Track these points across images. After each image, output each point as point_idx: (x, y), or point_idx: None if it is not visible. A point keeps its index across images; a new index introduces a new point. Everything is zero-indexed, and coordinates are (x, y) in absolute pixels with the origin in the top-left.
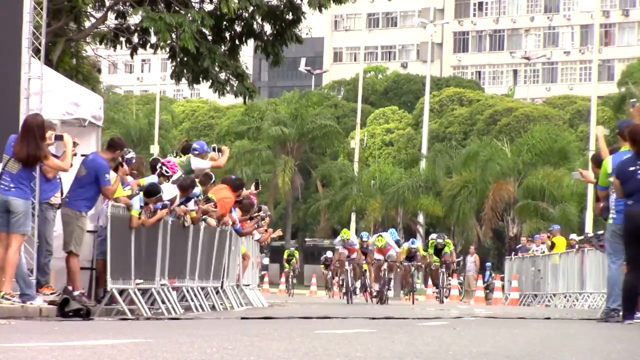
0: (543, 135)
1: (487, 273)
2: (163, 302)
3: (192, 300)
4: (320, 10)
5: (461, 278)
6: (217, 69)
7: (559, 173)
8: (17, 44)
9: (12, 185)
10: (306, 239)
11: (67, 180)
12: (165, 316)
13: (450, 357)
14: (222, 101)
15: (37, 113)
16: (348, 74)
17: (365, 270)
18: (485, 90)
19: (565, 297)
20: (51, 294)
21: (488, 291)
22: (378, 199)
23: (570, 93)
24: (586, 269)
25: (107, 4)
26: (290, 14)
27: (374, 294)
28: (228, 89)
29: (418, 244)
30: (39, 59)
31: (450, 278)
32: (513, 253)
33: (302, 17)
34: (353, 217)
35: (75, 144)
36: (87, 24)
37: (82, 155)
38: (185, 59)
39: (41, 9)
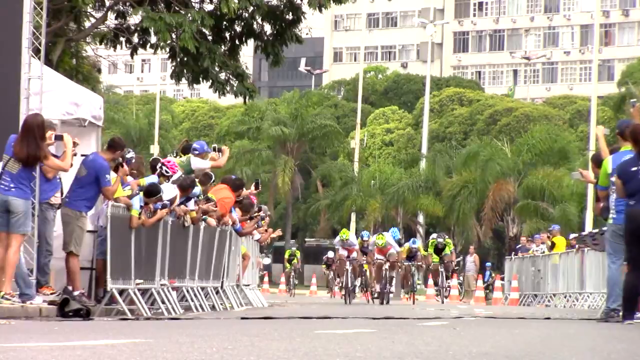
0: (543, 135)
1: (487, 273)
2: (163, 302)
3: (192, 300)
4: (320, 10)
5: (461, 278)
6: (217, 69)
7: (559, 173)
8: (17, 44)
9: (12, 185)
10: (307, 239)
11: (67, 180)
12: (165, 316)
13: (450, 357)
14: (222, 101)
15: (37, 113)
16: (348, 74)
17: (366, 270)
18: (485, 90)
19: (565, 297)
20: (51, 294)
21: (488, 291)
22: (378, 199)
23: (570, 93)
24: (586, 269)
25: (107, 4)
26: (290, 14)
27: (375, 295)
28: (228, 89)
29: (419, 243)
30: (39, 59)
31: (450, 280)
32: (513, 253)
33: (302, 17)
34: (353, 217)
35: (75, 144)
36: (87, 24)
37: (82, 155)
38: (185, 59)
39: (41, 9)
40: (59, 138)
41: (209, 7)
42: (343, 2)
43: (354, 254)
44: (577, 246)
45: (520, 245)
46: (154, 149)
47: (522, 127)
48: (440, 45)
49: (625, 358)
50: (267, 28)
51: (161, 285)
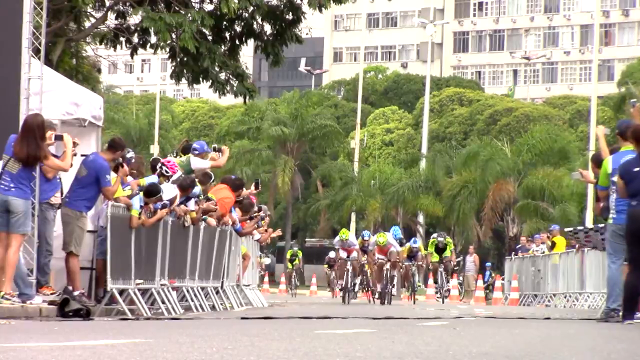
0: (543, 135)
1: (487, 273)
2: (163, 302)
3: (192, 300)
4: (320, 10)
5: (461, 278)
6: (217, 69)
7: (559, 173)
8: (17, 44)
9: (12, 185)
10: (307, 239)
11: (67, 180)
12: (165, 316)
13: (450, 357)
14: (222, 101)
15: (37, 113)
16: (348, 74)
17: (367, 269)
18: (485, 90)
19: (565, 297)
20: (51, 294)
21: (488, 291)
22: (378, 199)
23: (570, 93)
24: (586, 269)
25: (107, 4)
26: (290, 14)
27: (377, 295)
28: (228, 89)
29: (419, 243)
30: (39, 59)
31: (449, 281)
32: (513, 253)
33: (302, 17)
34: (353, 217)
35: (75, 144)
36: (87, 24)
37: (82, 156)
38: (185, 59)
39: (41, 9)
40: (59, 138)
41: (209, 7)
42: (343, 2)
43: (354, 254)
44: (577, 246)
45: (520, 245)
46: (154, 149)
47: (522, 127)
48: (440, 45)
49: (625, 358)
50: (267, 28)
51: (161, 285)
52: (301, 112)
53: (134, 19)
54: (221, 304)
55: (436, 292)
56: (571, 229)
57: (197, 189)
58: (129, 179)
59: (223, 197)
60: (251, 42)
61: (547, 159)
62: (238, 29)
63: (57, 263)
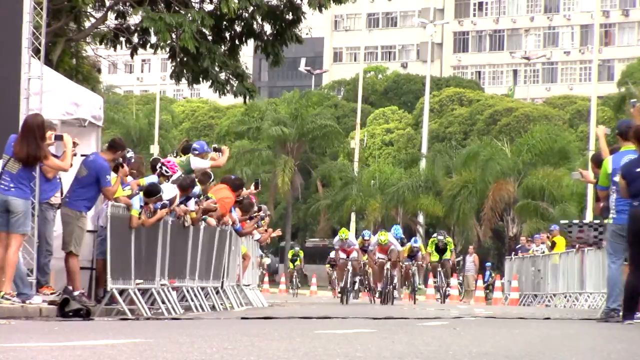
0: (543, 135)
1: (487, 273)
2: (163, 302)
3: (192, 300)
4: (320, 10)
5: (461, 278)
6: (217, 69)
7: (559, 173)
8: (17, 44)
9: (12, 185)
10: (310, 239)
11: (67, 180)
12: (165, 316)
13: (450, 357)
14: (222, 101)
15: (37, 113)
16: (348, 74)
17: (368, 269)
18: (485, 90)
19: (565, 297)
20: (51, 294)
21: (488, 291)
22: (378, 199)
23: (570, 93)
24: (586, 269)
25: (107, 4)
26: (290, 14)
27: (377, 294)
28: (228, 89)
29: (420, 243)
30: (39, 59)
31: (449, 284)
32: (513, 253)
33: (302, 17)
34: (353, 217)
35: (75, 144)
36: (87, 24)
37: (82, 156)
38: (185, 59)
39: (41, 9)
40: (59, 138)
41: (209, 7)
42: (343, 2)
43: (354, 254)
44: (577, 246)
45: (520, 245)
46: (154, 149)
47: (522, 127)
48: (440, 45)
49: (625, 358)
50: (267, 28)
51: (161, 285)
52: (301, 112)
53: (134, 19)
54: (221, 304)
55: (436, 292)
56: (566, 221)
57: (197, 188)
58: (129, 179)
59: (223, 197)
60: (251, 42)
61: (547, 159)
62: (238, 29)
63: (57, 263)
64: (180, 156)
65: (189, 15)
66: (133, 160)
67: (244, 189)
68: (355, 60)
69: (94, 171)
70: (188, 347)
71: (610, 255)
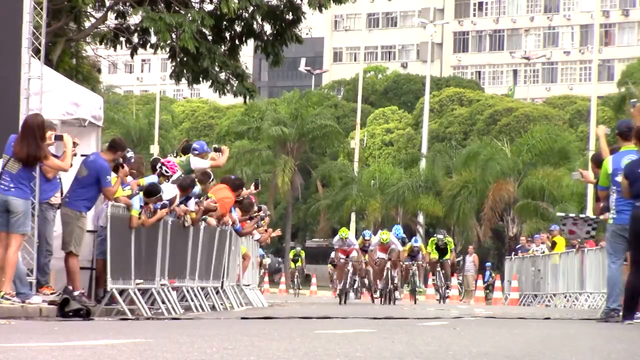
0: (543, 135)
1: (487, 273)
2: (163, 302)
3: (192, 300)
4: (320, 10)
5: (460, 278)
6: (217, 69)
7: (559, 173)
8: (17, 44)
9: (12, 185)
10: (308, 240)
11: (67, 180)
12: (165, 316)
13: (450, 357)
14: (222, 101)
15: (37, 113)
16: (348, 74)
17: (368, 269)
18: (485, 90)
19: (565, 297)
20: (51, 294)
21: (488, 291)
22: (378, 199)
23: (570, 93)
24: (586, 269)
25: (107, 4)
26: (290, 14)
27: (378, 293)
28: (228, 89)
29: (420, 242)
30: (39, 59)
31: (449, 287)
32: (513, 253)
33: (302, 17)
34: (353, 217)
35: (75, 144)
36: (87, 24)
37: (82, 156)
38: (185, 59)
39: (41, 9)
40: (59, 138)
41: (209, 7)
42: (343, 2)
43: (354, 253)
44: (577, 246)
45: (520, 245)
46: (154, 149)
47: (522, 127)
48: (440, 45)
49: (625, 358)
50: (267, 28)
51: (161, 285)
52: (301, 112)
53: (134, 19)
54: (221, 304)
55: (436, 292)
56: (563, 214)
57: (197, 188)
58: (129, 179)
59: (223, 197)
60: (251, 42)
61: (547, 159)
62: (238, 29)
63: (57, 263)
64: (180, 156)
65: (189, 15)
66: (133, 160)
67: (244, 189)
68: (355, 60)
69: (94, 171)
70: (188, 347)
71: (610, 255)
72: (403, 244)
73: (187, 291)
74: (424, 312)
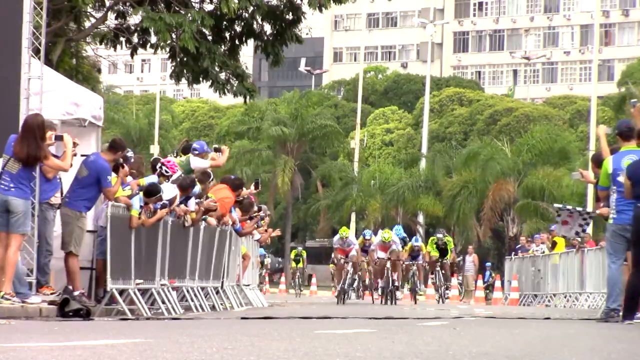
0: (543, 135)
1: (487, 273)
2: (163, 302)
3: (192, 300)
4: (321, 10)
5: (460, 278)
6: (217, 69)
7: (559, 173)
8: (17, 44)
9: (12, 185)
10: (309, 240)
11: (67, 180)
12: (165, 316)
13: (450, 357)
14: (222, 101)
15: (37, 113)
16: (348, 74)
17: (369, 269)
18: (485, 90)
19: (565, 297)
20: (51, 294)
21: (488, 291)
22: (378, 199)
23: (570, 93)
24: (586, 269)
25: (107, 4)
26: (290, 14)
27: (380, 291)
28: (228, 88)
29: (421, 242)
30: (39, 59)
31: (449, 288)
32: (513, 253)
33: (302, 17)
34: (353, 217)
35: (75, 144)
36: (87, 24)
37: (82, 156)
38: (185, 59)
39: (41, 9)
40: (59, 138)
41: (209, 7)
42: (343, 2)
43: (353, 252)
44: (577, 246)
45: (519, 245)
46: (154, 149)
47: (522, 127)
48: (440, 45)
49: (625, 358)
50: (267, 28)
51: (161, 285)
52: (301, 112)
53: (134, 19)
54: (221, 304)
55: (435, 292)
56: (560, 205)
57: (197, 188)
58: (129, 179)
59: (223, 197)
60: (251, 42)
61: (547, 159)
62: (238, 29)
63: (57, 263)
64: (180, 156)
65: (189, 15)
66: (133, 160)
67: (244, 189)
68: (355, 60)
69: (94, 172)
70: (188, 347)
71: (610, 255)
72: (404, 244)
73: (187, 291)
74: (424, 312)
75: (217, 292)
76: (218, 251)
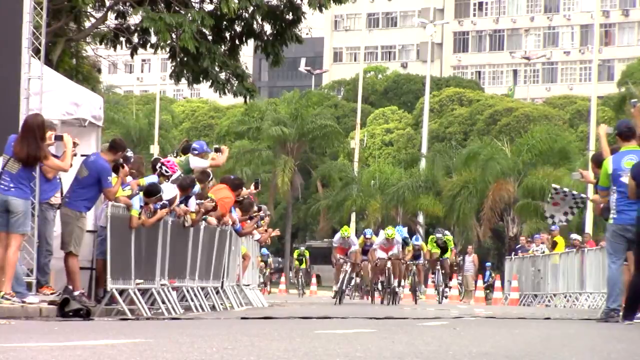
0: (543, 135)
1: (487, 273)
2: (163, 302)
3: (192, 300)
4: (321, 10)
5: (460, 278)
6: (217, 69)
7: (559, 173)
8: (17, 44)
9: (11, 185)
10: (314, 240)
11: (67, 180)
12: (165, 316)
13: (450, 357)
14: (222, 101)
15: (37, 113)
16: (348, 74)
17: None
18: (485, 90)
19: (565, 297)
20: (51, 294)
21: (488, 291)
22: (378, 199)
23: (570, 93)
24: (586, 269)
25: (107, 4)
26: (290, 14)
27: (379, 285)
28: (228, 88)
29: (421, 241)
30: (39, 59)
31: (448, 285)
32: (513, 253)
33: (302, 17)
34: (353, 217)
35: (75, 144)
36: (87, 24)
37: (82, 156)
38: (185, 59)
39: (41, 9)
40: (59, 138)
41: (209, 7)
42: (343, 2)
43: (352, 250)
44: (577, 246)
45: (519, 245)
46: (154, 149)
47: (522, 127)
48: (440, 45)
49: (625, 358)
50: (267, 28)
51: (161, 285)
52: (301, 112)
53: (134, 19)
54: (221, 304)
55: (436, 291)
56: (557, 187)
57: (197, 188)
58: (129, 179)
59: (223, 197)
60: (251, 42)
61: (547, 159)
62: (238, 29)
63: (57, 263)
64: (180, 156)
65: (189, 15)
66: (132, 160)
67: (244, 188)
68: (355, 60)
69: (95, 172)
70: (188, 347)
71: (611, 255)
72: (405, 244)
73: (187, 291)
74: (424, 312)
75: (217, 292)
76: (218, 251)
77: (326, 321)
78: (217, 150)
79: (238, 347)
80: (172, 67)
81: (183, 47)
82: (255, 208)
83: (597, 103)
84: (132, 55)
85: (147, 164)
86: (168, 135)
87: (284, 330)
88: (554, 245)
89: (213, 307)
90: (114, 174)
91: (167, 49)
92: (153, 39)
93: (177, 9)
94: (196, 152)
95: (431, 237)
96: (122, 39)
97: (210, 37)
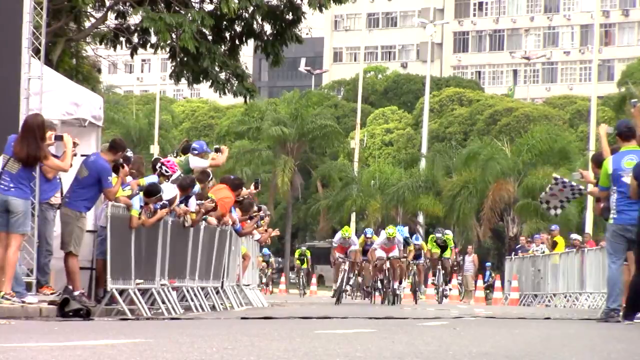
0: (543, 135)
1: (487, 273)
2: (163, 302)
3: (192, 300)
4: (321, 10)
5: (460, 278)
6: (217, 69)
7: (559, 173)
8: (17, 44)
9: (11, 185)
10: (316, 240)
11: (67, 180)
12: (165, 316)
13: (450, 357)
14: (222, 101)
15: (37, 113)
16: (348, 74)
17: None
18: (485, 90)
19: (565, 297)
20: (51, 294)
21: (488, 291)
22: (378, 199)
23: (570, 93)
24: (586, 269)
25: (107, 4)
26: (290, 14)
27: (378, 284)
28: (228, 88)
29: (421, 241)
30: (39, 59)
31: (447, 283)
32: (513, 253)
33: (302, 17)
34: (353, 217)
35: (75, 144)
36: (87, 24)
37: (82, 156)
38: (185, 59)
39: (41, 9)
40: (59, 138)
41: (209, 7)
42: (343, 2)
43: (351, 249)
44: (577, 246)
45: (519, 245)
46: (154, 149)
47: (522, 127)
48: (440, 45)
49: (625, 358)
50: (267, 28)
51: (161, 285)
52: (301, 112)
53: (134, 19)
54: (221, 304)
55: (433, 282)
56: (558, 176)
57: (197, 187)
58: (129, 179)
59: (223, 197)
60: (251, 42)
61: (547, 159)
62: (238, 29)
63: (57, 263)
64: (180, 156)
65: (189, 15)
66: (132, 160)
67: (244, 188)
68: (355, 60)
69: (95, 172)
70: (188, 347)
71: (611, 255)
72: (406, 244)
73: (187, 291)
74: (424, 312)
75: (217, 292)
76: (218, 251)
77: (326, 321)
78: (217, 150)
79: (238, 347)
80: (172, 67)
81: (183, 47)
82: (255, 208)
83: (597, 103)
84: (132, 55)
85: (147, 164)
86: (168, 135)
87: (284, 330)
88: (554, 245)
89: (213, 307)
90: (114, 174)
91: (167, 49)
92: (153, 39)
93: (177, 9)
94: (196, 152)
95: (431, 236)
96: (122, 39)
97: (210, 37)
